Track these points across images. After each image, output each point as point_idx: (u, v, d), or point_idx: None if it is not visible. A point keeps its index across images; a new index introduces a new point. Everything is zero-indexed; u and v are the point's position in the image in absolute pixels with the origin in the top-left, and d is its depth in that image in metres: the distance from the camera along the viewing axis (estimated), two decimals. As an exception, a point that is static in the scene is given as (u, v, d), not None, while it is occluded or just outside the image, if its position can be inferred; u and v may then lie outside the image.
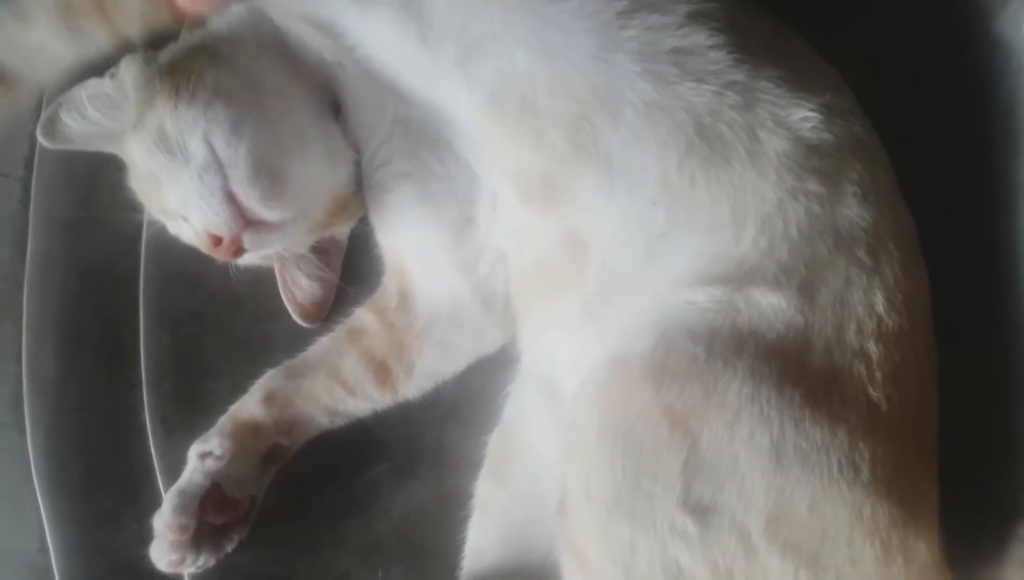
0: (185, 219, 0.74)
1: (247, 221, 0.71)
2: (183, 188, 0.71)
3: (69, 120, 0.79)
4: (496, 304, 0.82)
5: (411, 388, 0.85)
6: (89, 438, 0.86)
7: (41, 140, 0.79)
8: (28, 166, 0.91)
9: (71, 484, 0.85)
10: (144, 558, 0.81)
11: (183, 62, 0.75)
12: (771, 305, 0.63)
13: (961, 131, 0.75)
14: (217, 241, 0.72)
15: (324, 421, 0.84)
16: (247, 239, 0.72)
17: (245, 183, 0.70)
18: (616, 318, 0.68)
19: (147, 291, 0.87)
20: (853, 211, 0.65)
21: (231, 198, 0.70)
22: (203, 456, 0.78)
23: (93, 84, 0.79)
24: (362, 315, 0.84)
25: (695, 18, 0.67)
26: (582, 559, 0.65)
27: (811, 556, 0.60)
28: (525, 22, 0.68)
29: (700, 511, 0.60)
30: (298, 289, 0.86)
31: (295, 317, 0.86)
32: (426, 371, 0.84)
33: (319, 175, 0.77)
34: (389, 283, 0.84)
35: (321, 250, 0.80)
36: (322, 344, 0.84)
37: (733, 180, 0.65)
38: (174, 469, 0.83)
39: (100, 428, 0.86)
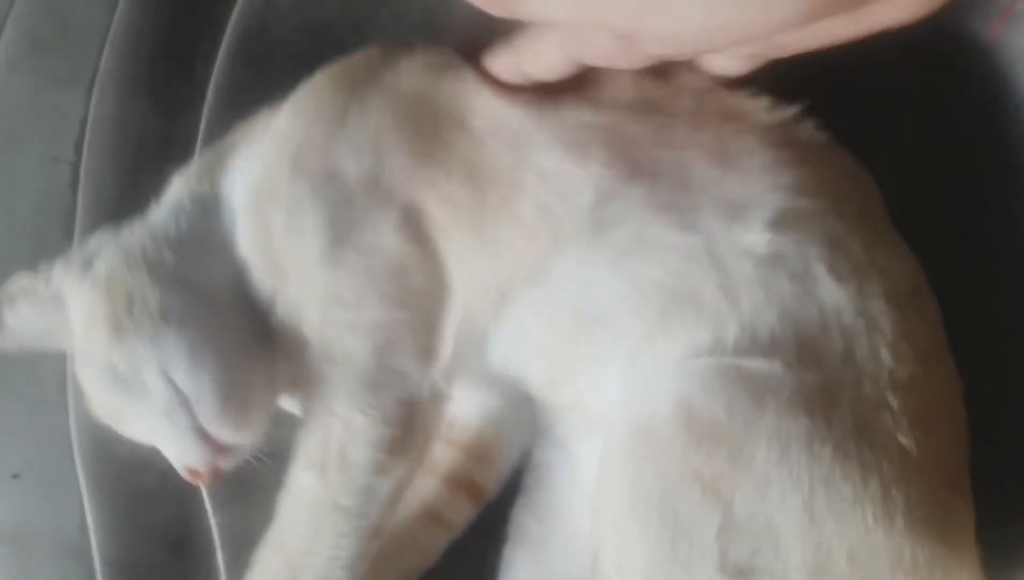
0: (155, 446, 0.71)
1: (220, 449, 0.68)
2: (149, 424, 0.68)
3: (10, 319, 0.73)
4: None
5: (497, 485, 0.82)
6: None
7: None
8: (78, 151, 0.92)
9: (113, 464, 0.86)
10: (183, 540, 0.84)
11: (120, 280, 0.69)
12: (770, 370, 0.62)
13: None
14: (194, 472, 0.69)
15: (430, 563, 0.81)
16: (222, 461, 0.69)
17: (215, 417, 0.66)
18: (627, 393, 0.67)
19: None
20: (831, 288, 0.64)
21: (203, 434, 0.67)
22: None
23: (21, 280, 0.74)
24: None
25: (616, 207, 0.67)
26: None
27: None
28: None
29: (739, 574, 0.60)
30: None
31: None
32: (506, 465, 0.82)
33: (278, 377, 0.73)
34: None
35: None
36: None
37: (705, 309, 0.64)
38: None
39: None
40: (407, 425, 0.69)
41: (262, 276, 0.71)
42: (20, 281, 0.74)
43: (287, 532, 0.70)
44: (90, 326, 0.69)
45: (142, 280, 0.68)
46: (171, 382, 0.66)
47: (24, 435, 0.88)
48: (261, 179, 0.70)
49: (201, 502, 0.84)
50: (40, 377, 0.88)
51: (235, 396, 0.67)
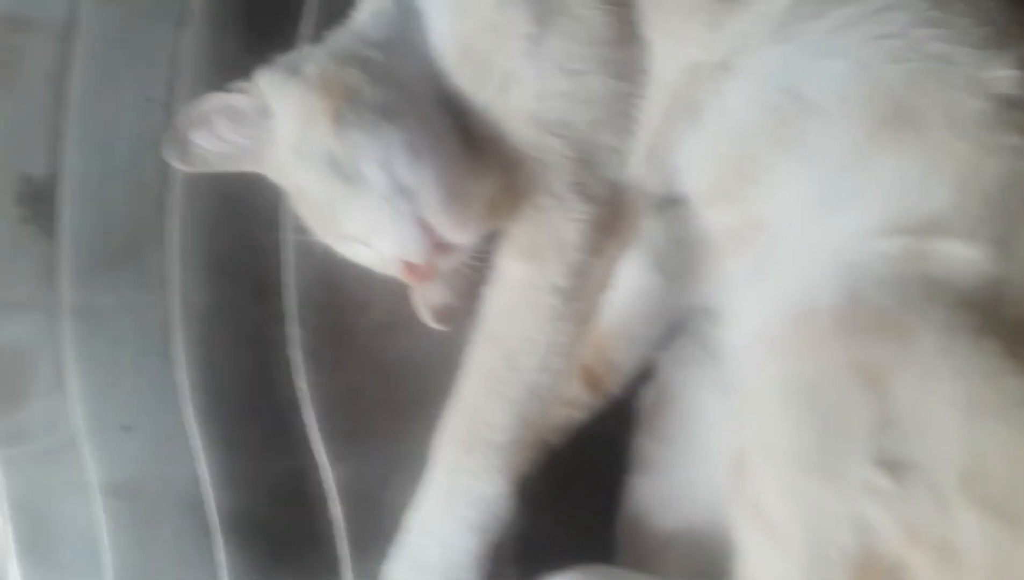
0: (366, 244, 0.71)
1: (439, 246, 0.68)
2: (368, 215, 0.67)
3: (201, 140, 0.73)
4: (677, 279, 0.78)
5: (615, 383, 0.83)
6: (240, 369, 0.86)
7: (173, 164, 0.74)
8: (170, 88, 0.87)
9: (224, 415, 0.85)
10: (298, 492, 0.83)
11: (336, 76, 0.69)
12: (963, 256, 0.59)
13: None
14: (412, 267, 0.68)
15: (553, 441, 0.81)
16: (440, 260, 0.69)
17: (438, 209, 0.66)
18: (788, 273, 0.65)
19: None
20: None
21: (424, 225, 0.66)
22: None
23: (219, 98, 0.73)
24: None
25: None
26: (764, 518, 0.63)
27: (1010, 511, 0.57)
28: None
29: (892, 467, 0.58)
30: (433, 292, 0.81)
31: (427, 320, 0.82)
32: (625, 363, 0.82)
33: (491, 183, 0.72)
34: None
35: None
36: None
37: (927, 142, 0.61)
38: (323, 402, 0.84)
39: (250, 360, 0.86)
40: (616, 204, 0.69)
41: (464, 70, 0.70)
42: (209, 101, 0.74)
43: (502, 325, 0.70)
44: (308, 121, 0.69)
45: (357, 76, 0.69)
46: (392, 174, 0.66)
47: (130, 386, 0.86)
48: None
49: (315, 455, 0.83)
50: (143, 327, 0.86)
51: (456, 190, 0.67)
